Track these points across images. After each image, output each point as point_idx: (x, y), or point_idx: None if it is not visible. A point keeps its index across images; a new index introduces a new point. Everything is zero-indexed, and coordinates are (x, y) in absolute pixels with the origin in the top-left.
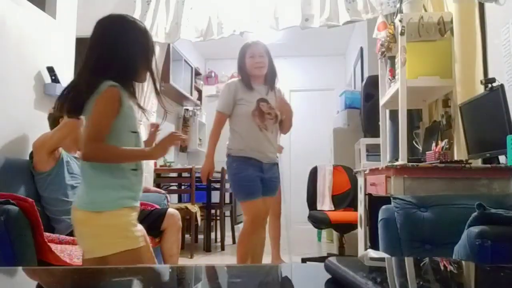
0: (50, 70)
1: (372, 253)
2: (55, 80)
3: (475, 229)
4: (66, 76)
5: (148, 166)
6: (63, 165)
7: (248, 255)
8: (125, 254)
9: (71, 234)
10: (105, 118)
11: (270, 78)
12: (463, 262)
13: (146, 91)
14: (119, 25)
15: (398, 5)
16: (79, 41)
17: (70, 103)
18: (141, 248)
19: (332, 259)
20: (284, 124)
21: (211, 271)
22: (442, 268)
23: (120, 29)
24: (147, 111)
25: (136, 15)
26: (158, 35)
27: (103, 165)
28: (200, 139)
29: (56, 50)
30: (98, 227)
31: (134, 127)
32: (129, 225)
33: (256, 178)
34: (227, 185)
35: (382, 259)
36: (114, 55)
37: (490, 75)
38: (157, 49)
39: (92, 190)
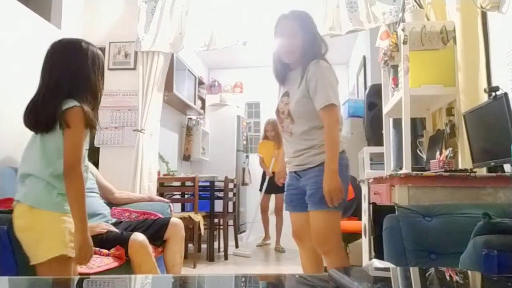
0: None
1: (377, 263)
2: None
3: (481, 239)
4: None
5: (151, 175)
6: None
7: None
8: None
9: None
10: (80, 141)
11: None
12: (469, 272)
13: (150, 100)
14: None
15: (400, 14)
16: None
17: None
18: None
19: (337, 269)
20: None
21: (214, 281)
22: (448, 278)
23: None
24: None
25: (141, 25)
26: (162, 45)
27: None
28: (203, 148)
29: None
30: None
31: (86, 144)
32: None
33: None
34: (230, 194)
35: (387, 269)
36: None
37: (493, 84)
38: (161, 59)
39: None
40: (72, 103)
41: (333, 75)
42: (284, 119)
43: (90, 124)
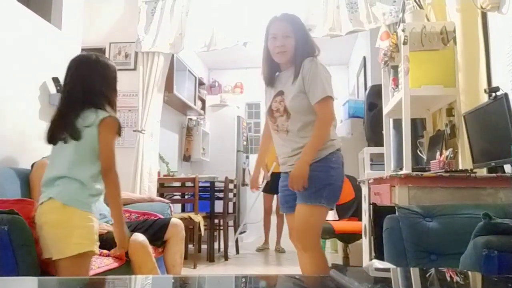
0: (55, 80)
1: (377, 263)
2: (60, 90)
3: (482, 239)
4: None
5: (152, 176)
6: None
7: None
8: None
9: None
10: (113, 146)
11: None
12: (470, 273)
13: (150, 101)
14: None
15: (400, 15)
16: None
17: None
18: None
19: (337, 270)
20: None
21: (214, 282)
22: (448, 278)
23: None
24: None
25: (141, 26)
26: (162, 46)
27: None
28: (203, 149)
29: (61, 60)
30: None
31: None
32: None
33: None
34: (231, 195)
35: (387, 270)
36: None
37: (493, 84)
38: (161, 60)
39: None
40: (105, 113)
41: (328, 73)
42: (279, 117)
43: (119, 131)
